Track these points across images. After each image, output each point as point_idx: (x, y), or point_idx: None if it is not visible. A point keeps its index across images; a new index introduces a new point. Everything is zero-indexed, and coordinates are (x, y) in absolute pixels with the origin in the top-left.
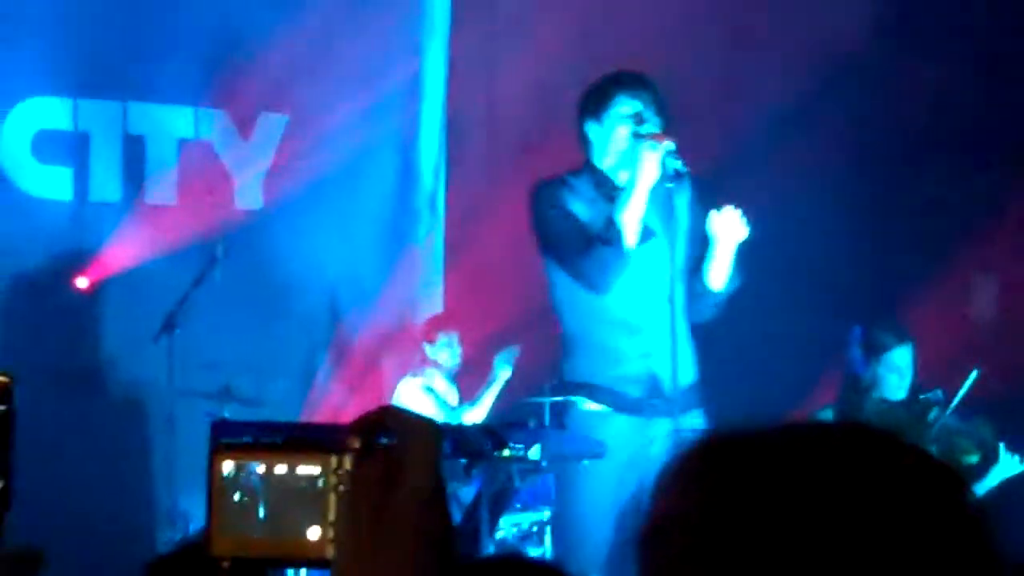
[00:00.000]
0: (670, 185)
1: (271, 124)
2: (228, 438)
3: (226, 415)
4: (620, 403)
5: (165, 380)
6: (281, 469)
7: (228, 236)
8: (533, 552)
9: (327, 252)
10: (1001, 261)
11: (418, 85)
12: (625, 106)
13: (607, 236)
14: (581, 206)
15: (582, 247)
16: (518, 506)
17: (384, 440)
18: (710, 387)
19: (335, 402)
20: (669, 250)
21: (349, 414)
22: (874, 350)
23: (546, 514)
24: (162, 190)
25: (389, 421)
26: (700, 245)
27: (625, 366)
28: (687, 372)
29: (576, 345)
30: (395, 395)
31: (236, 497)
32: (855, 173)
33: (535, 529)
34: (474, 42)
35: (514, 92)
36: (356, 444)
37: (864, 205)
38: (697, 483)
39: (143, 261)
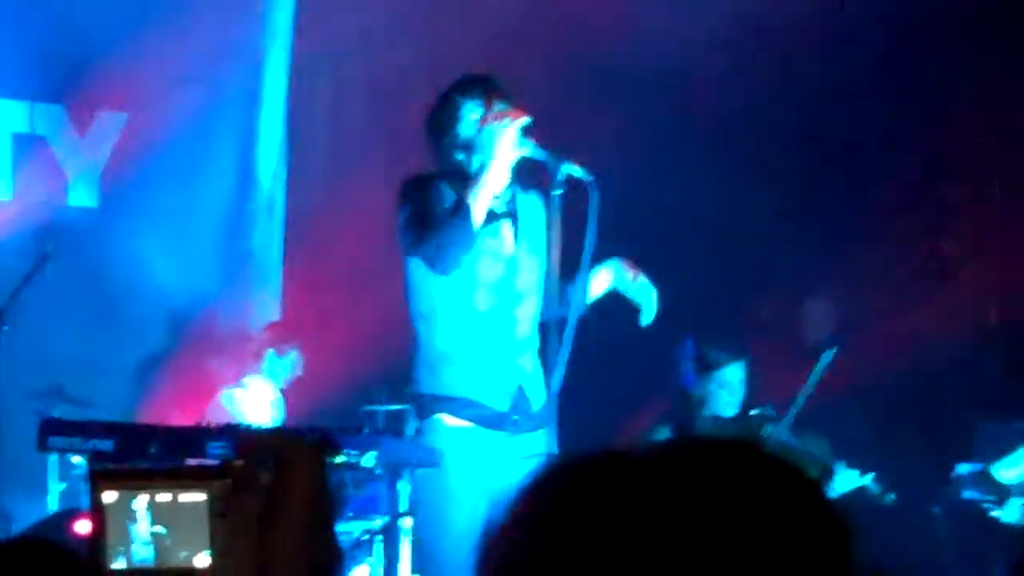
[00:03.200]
0: (558, 192)
1: (108, 122)
2: (98, 465)
3: (55, 415)
4: (483, 418)
5: None
6: (165, 497)
7: (60, 234)
8: (365, 562)
9: (162, 253)
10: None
11: (259, 89)
12: (474, 112)
13: (455, 213)
14: (440, 197)
15: (431, 224)
16: (350, 514)
17: (263, 472)
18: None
19: (165, 405)
20: (546, 262)
21: (179, 418)
22: (706, 366)
23: (377, 523)
24: None
25: (271, 448)
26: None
27: (490, 380)
28: (555, 387)
29: (438, 356)
30: (216, 403)
31: (121, 528)
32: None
33: (366, 537)
34: (317, 48)
35: (356, 98)
36: (242, 470)
37: (712, 219)
38: (539, 520)
39: None
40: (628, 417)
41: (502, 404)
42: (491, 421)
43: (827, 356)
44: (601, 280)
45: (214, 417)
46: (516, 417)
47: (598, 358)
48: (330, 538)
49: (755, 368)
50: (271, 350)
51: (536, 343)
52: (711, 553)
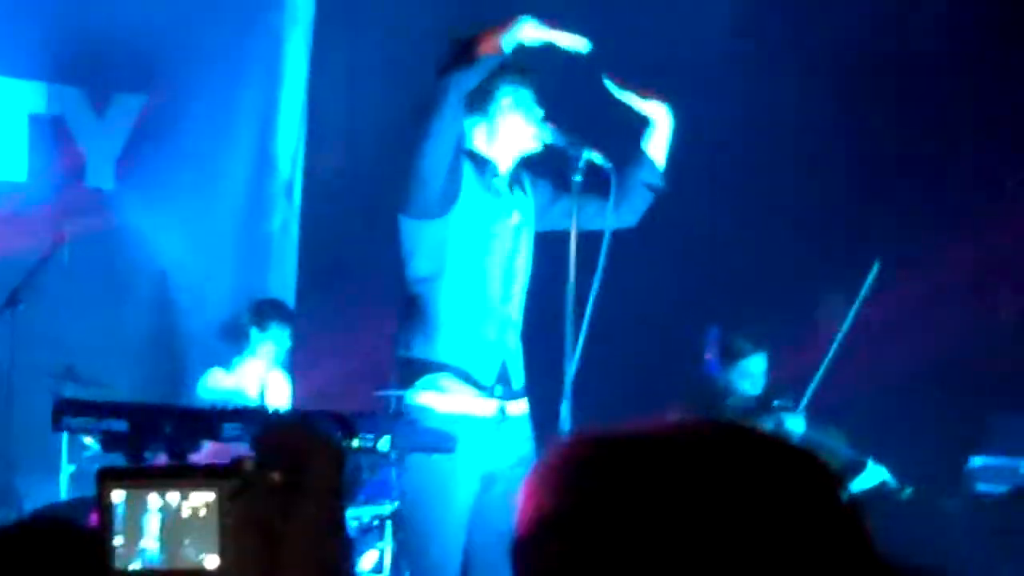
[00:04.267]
0: (578, 178)
1: (127, 104)
2: (107, 465)
3: (66, 395)
4: (469, 385)
5: (6, 356)
6: (174, 497)
7: (76, 215)
8: (375, 547)
9: (178, 236)
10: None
11: (278, 71)
12: (507, 97)
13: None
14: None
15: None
16: (362, 499)
17: (275, 473)
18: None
19: (171, 387)
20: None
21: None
22: (730, 355)
23: (388, 508)
24: (11, 164)
25: (291, 448)
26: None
27: (479, 352)
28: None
29: (434, 323)
30: (202, 384)
31: (130, 528)
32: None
33: (376, 523)
34: (338, 31)
35: (375, 82)
36: (251, 473)
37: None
38: (571, 486)
39: None
40: (643, 401)
41: (487, 378)
42: (476, 391)
43: (873, 271)
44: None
45: (200, 398)
46: (500, 391)
47: (618, 342)
48: (342, 540)
49: (775, 358)
50: (253, 327)
51: (521, 324)
52: (735, 544)
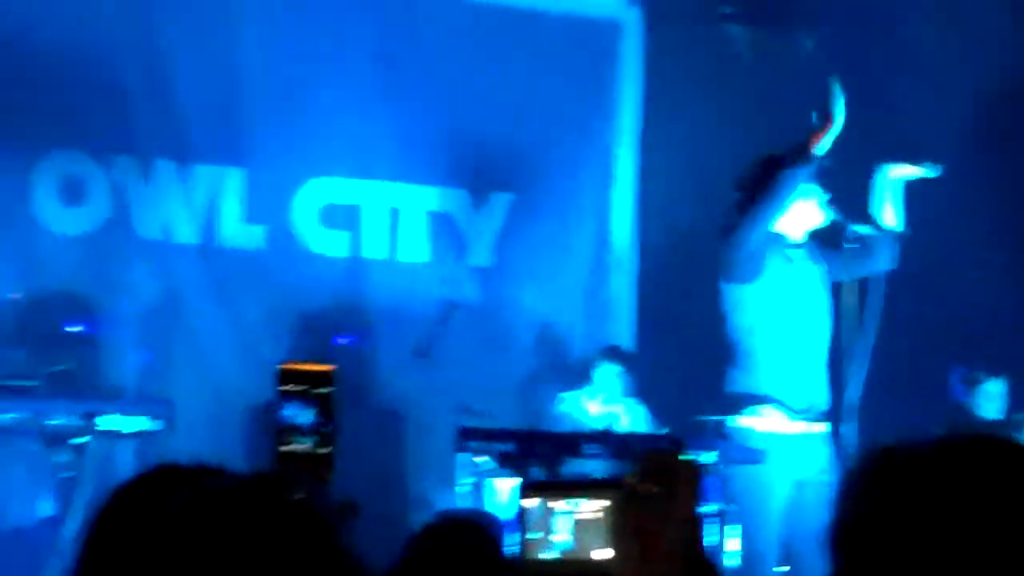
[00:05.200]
0: (854, 246)
1: (499, 201)
2: (509, 467)
3: (465, 425)
4: (782, 410)
5: (417, 396)
6: (576, 503)
7: (464, 287)
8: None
9: (539, 301)
10: None
11: (611, 170)
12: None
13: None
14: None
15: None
16: None
17: (650, 486)
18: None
19: (541, 417)
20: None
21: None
22: (972, 382)
23: (714, 507)
24: (416, 250)
25: (663, 463)
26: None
27: (789, 383)
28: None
29: (750, 364)
30: (564, 412)
31: (541, 527)
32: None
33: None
34: (660, 127)
35: (692, 172)
36: (635, 486)
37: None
38: (875, 489)
39: (404, 304)
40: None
41: (797, 404)
42: (787, 414)
43: None
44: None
45: (562, 424)
46: (805, 415)
47: (894, 373)
48: (701, 535)
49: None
50: (599, 367)
51: (823, 360)
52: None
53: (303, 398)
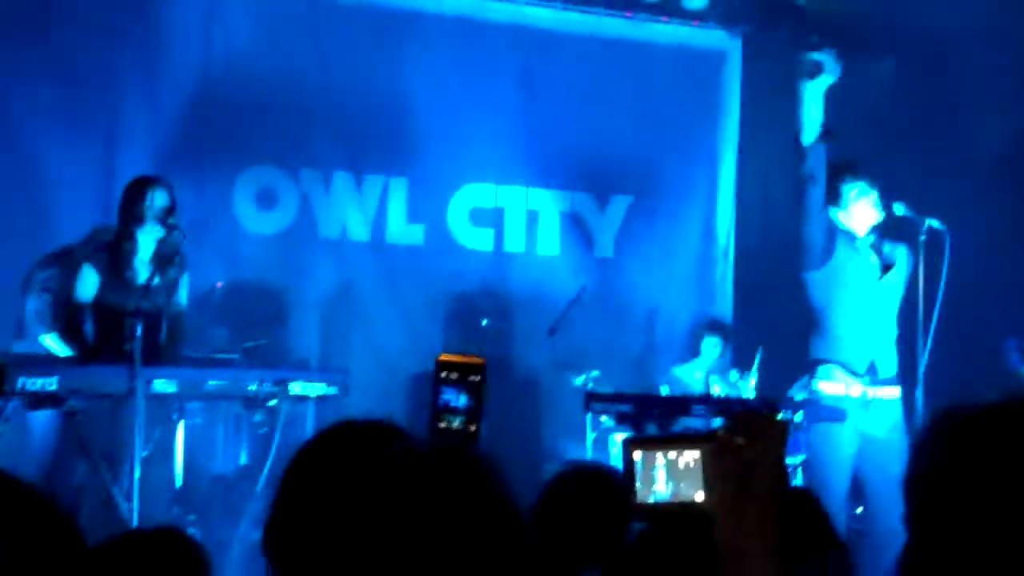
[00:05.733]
0: (922, 239)
1: (620, 202)
2: (623, 425)
3: (590, 389)
4: (848, 374)
5: (548, 367)
6: (673, 455)
7: (589, 275)
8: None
9: (655, 284)
10: None
11: (716, 175)
12: (853, 190)
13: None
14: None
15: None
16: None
17: (739, 439)
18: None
19: (653, 381)
20: (904, 281)
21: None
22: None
23: (799, 458)
24: (550, 244)
25: (752, 420)
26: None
27: (856, 352)
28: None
29: (825, 335)
30: (672, 377)
31: (644, 476)
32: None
33: (789, 470)
34: (756, 136)
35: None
36: (723, 437)
37: None
38: (946, 445)
39: (539, 290)
40: (972, 386)
41: (860, 368)
42: (852, 378)
43: None
44: None
45: (670, 389)
46: (867, 379)
47: (958, 344)
48: (787, 484)
49: None
50: (703, 339)
51: (892, 332)
52: None
53: (458, 385)
